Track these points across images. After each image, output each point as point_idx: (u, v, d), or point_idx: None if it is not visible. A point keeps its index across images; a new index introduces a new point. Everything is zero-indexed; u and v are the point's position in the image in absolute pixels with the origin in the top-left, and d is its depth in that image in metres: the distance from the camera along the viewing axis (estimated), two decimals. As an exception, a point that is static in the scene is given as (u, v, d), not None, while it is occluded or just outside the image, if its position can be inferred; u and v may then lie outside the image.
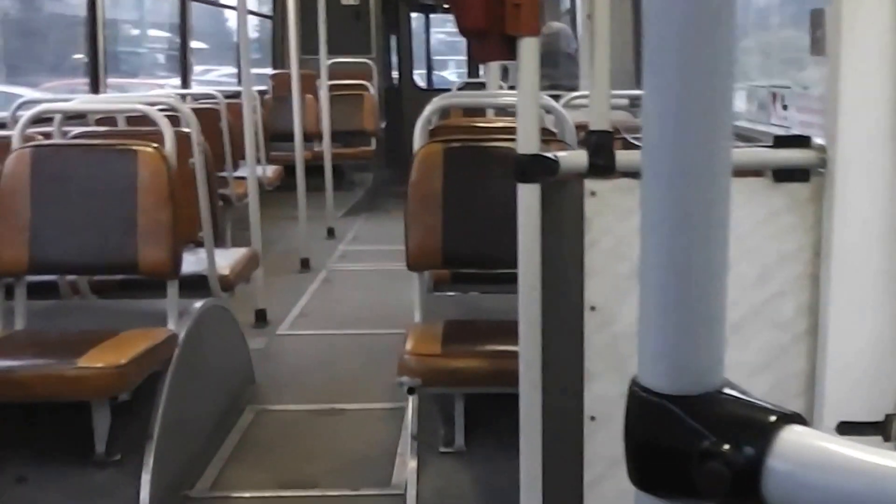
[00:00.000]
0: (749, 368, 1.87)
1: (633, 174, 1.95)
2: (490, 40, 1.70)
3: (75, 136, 3.81)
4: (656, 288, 0.56)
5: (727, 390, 0.56)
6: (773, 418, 0.53)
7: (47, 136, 3.62)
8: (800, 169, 1.85)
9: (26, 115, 3.42)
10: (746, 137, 3.54)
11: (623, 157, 1.95)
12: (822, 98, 3.19)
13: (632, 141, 2.02)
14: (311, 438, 3.53)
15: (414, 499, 2.79)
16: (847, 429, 1.81)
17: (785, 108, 3.63)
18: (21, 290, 3.12)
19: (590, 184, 1.92)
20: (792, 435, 0.52)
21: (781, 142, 1.90)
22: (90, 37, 5.53)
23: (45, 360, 2.69)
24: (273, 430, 3.62)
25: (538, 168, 1.87)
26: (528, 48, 1.78)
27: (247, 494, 3.07)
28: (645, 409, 0.57)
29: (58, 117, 3.65)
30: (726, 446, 0.53)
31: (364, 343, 4.68)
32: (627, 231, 1.95)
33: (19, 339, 2.98)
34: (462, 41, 12.02)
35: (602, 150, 1.91)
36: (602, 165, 1.91)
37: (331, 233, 7.38)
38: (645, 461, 0.57)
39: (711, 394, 0.56)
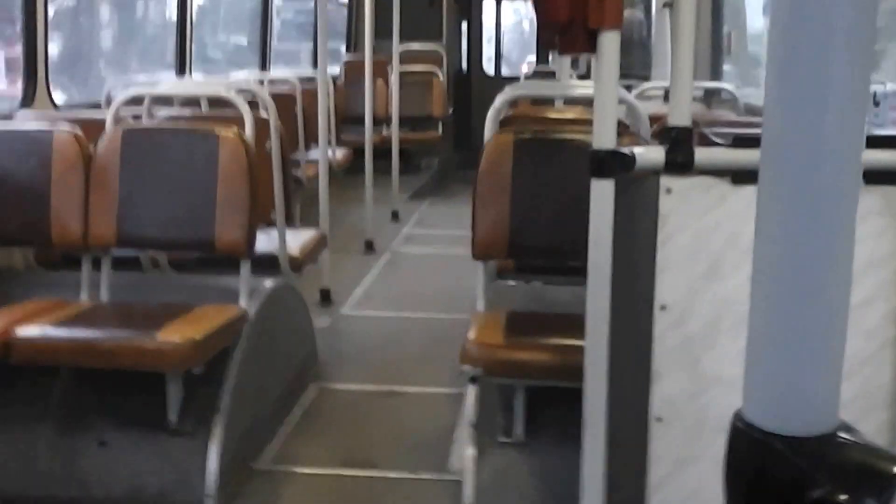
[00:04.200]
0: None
1: (712, 171, 1.91)
2: (572, 33, 1.68)
3: (163, 119, 3.94)
4: (770, 315, 0.50)
5: (843, 433, 0.51)
6: None
7: (137, 117, 3.74)
8: (893, 171, 1.77)
9: (119, 97, 3.55)
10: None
11: (702, 154, 1.90)
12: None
13: (710, 136, 1.97)
14: (371, 418, 3.59)
15: (471, 486, 2.80)
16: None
17: (877, 104, 3.45)
18: (107, 263, 3.27)
19: (666, 180, 1.87)
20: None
21: (873, 142, 1.80)
22: (180, 30, 5.71)
23: (128, 333, 2.83)
24: (335, 408, 3.68)
25: (614, 163, 1.84)
26: (609, 41, 1.74)
27: (308, 470, 3.14)
28: (750, 447, 0.52)
29: (147, 100, 3.77)
30: (843, 496, 0.49)
31: (425, 326, 4.72)
32: (703, 229, 1.90)
33: (105, 311, 3.13)
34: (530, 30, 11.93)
35: (681, 146, 1.87)
36: (680, 162, 1.86)
37: (395, 216, 7.43)
38: (747, 501, 0.53)
39: (826, 436, 0.51)
